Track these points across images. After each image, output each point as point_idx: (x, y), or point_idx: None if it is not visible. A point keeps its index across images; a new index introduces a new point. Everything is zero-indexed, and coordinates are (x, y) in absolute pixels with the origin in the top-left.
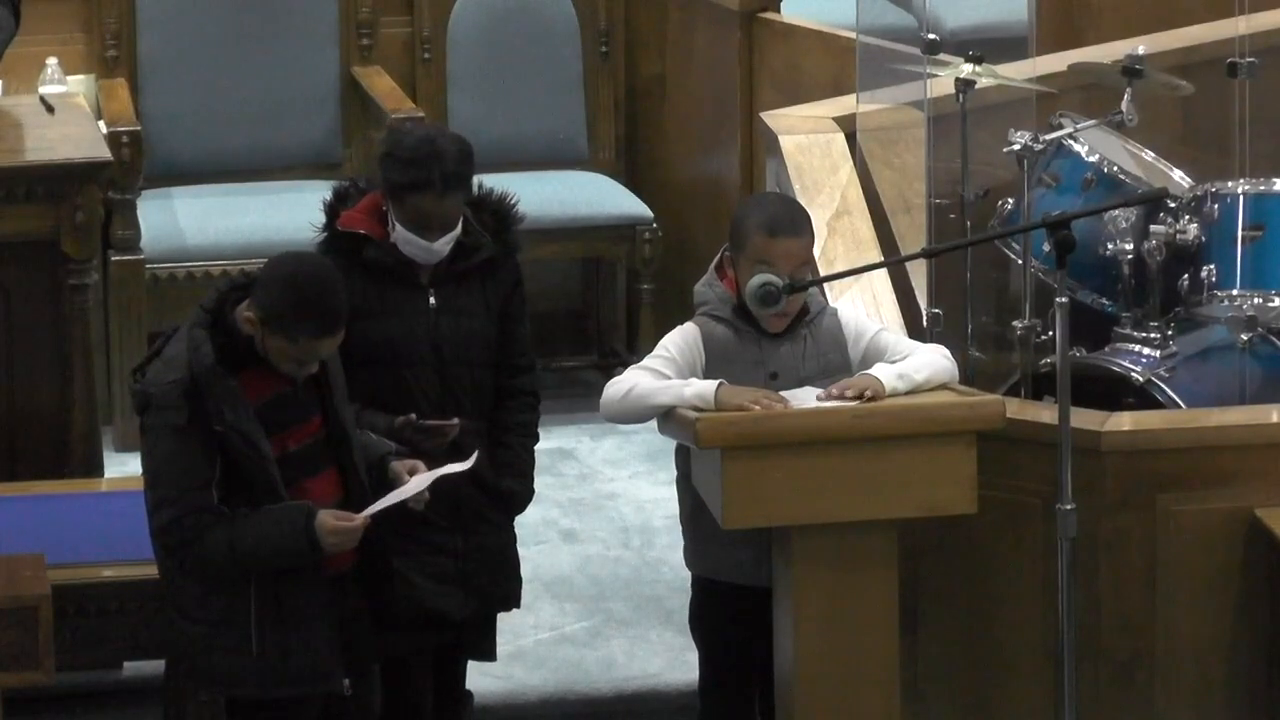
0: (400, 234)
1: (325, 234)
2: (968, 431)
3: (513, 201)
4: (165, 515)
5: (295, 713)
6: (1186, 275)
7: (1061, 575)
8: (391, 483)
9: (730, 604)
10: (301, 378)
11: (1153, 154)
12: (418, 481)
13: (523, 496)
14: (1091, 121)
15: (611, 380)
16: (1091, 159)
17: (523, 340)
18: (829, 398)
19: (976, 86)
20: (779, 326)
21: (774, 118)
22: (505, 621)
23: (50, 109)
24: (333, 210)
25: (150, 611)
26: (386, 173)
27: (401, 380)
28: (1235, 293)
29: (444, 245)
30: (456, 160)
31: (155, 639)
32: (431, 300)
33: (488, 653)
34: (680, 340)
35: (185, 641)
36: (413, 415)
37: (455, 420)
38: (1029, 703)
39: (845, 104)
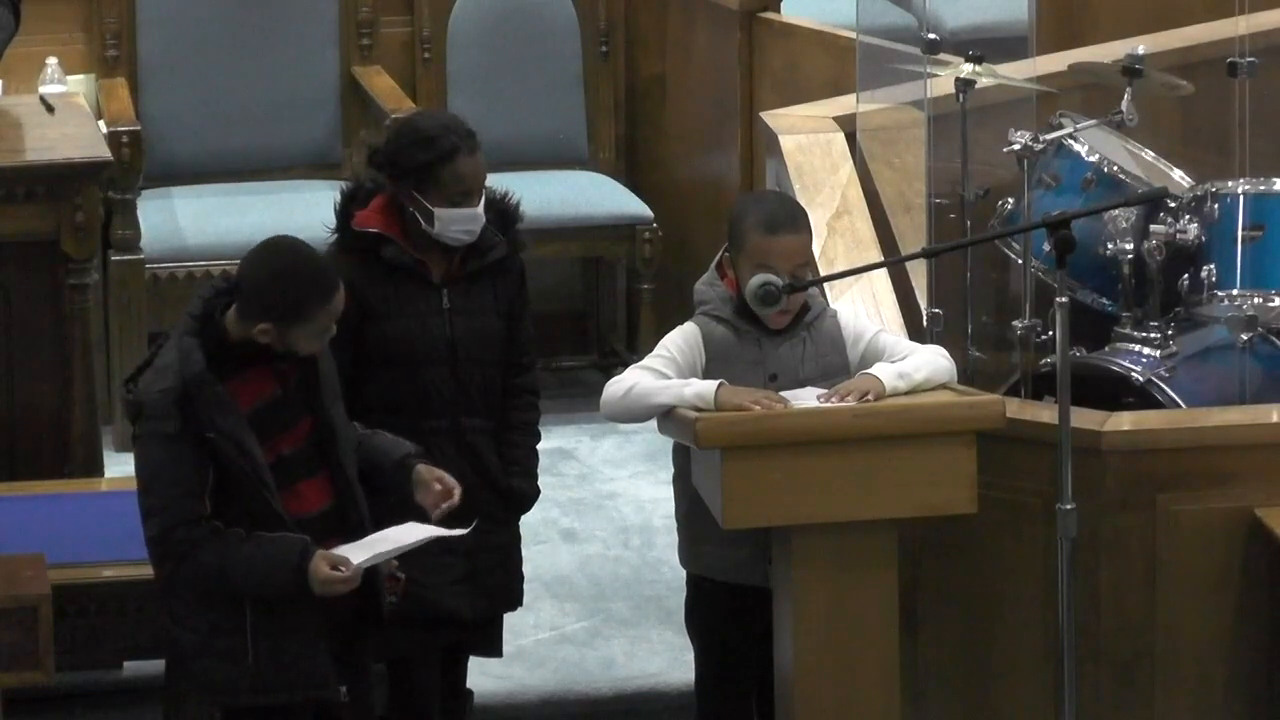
0: (442, 218)
1: (338, 234)
2: (968, 431)
3: (515, 200)
4: (156, 525)
5: (289, 717)
6: (1186, 275)
7: (1061, 575)
8: (414, 487)
9: (726, 603)
10: (319, 351)
11: (1153, 154)
12: (419, 532)
13: (530, 495)
14: (1091, 121)
15: (612, 379)
16: (1091, 159)
17: (526, 339)
18: (829, 402)
19: (976, 86)
20: (781, 323)
21: (774, 118)
22: (505, 621)
23: (50, 109)
24: (345, 210)
25: (150, 611)
26: (408, 161)
27: (416, 379)
28: (1235, 293)
29: (482, 213)
30: (463, 124)
31: (155, 639)
32: (445, 300)
33: (493, 649)
34: (680, 340)
35: (180, 647)
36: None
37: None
38: (1029, 703)
39: (845, 104)
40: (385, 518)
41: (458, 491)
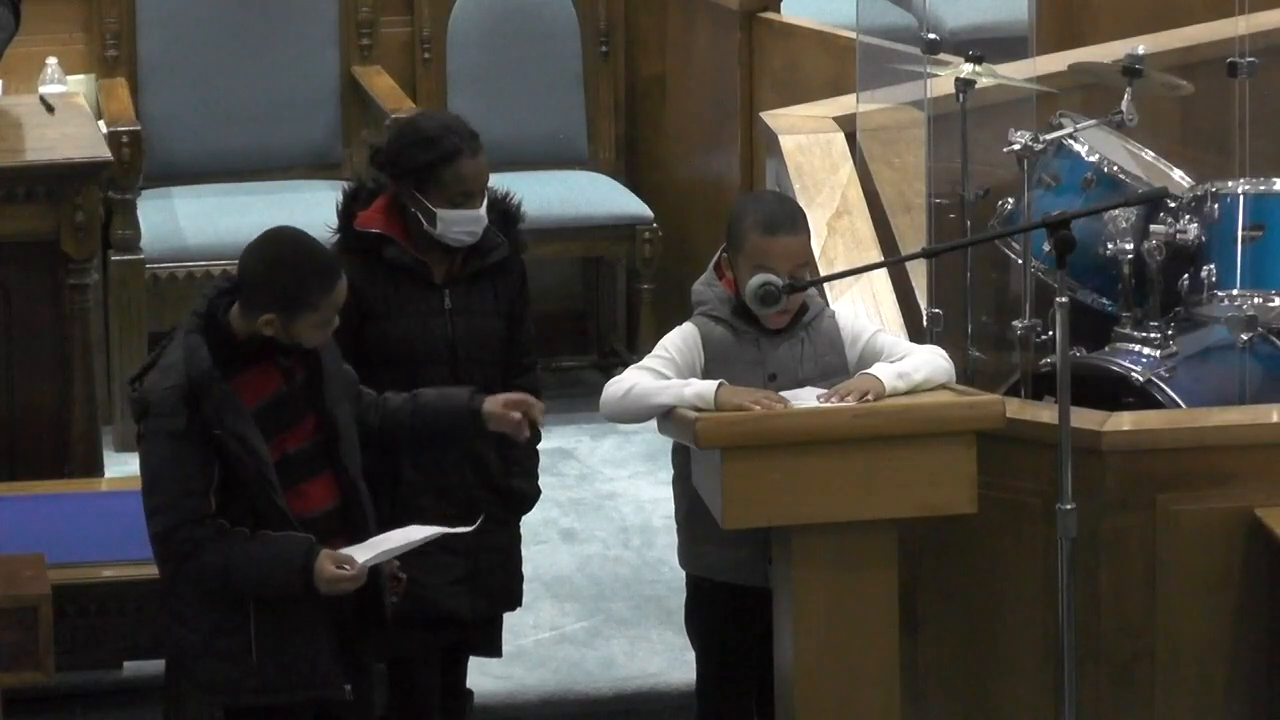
0: (444, 219)
1: (340, 234)
2: (968, 431)
3: (517, 200)
4: (160, 523)
5: (291, 716)
6: (1186, 275)
7: (1061, 575)
8: (489, 424)
9: (726, 603)
10: (322, 344)
11: (1153, 154)
12: (422, 533)
13: (530, 495)
14: (1091, 121)
15: (611, 380)
16: (1091, 159)
17: (527, 340)
18: (829, 402)
19: (976, 86)
20: (780, 323)
21: (774, 118)
22: (505, 621)
23: (50, 109)
24: (347, 211)
25: (150, 611)
26: (409, 161)
27: (416, 379)
28: (1235, 293)
29: (484, 214)
30: (466, 125)
31: (155, 639)
32: (446, 301)
33: (493, 649)
34: (679, 340)
35: (182, 647)
36: None
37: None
38: (1029, 703)
39: (845, 104)
40: (386, 518)
41: (532, 399)
